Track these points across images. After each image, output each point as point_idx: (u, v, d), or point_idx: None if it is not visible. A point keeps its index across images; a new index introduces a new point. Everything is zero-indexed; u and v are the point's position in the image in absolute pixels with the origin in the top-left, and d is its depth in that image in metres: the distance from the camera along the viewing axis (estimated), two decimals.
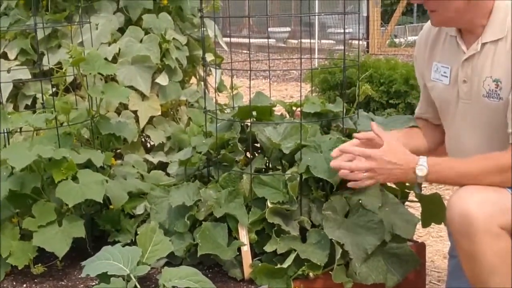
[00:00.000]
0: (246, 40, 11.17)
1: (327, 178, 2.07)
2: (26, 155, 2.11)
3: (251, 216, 2.12)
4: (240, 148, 2.32)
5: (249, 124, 2.33)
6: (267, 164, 2.34)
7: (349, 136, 2.28)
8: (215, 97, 2.89)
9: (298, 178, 2.13)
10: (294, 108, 2.49)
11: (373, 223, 2.05)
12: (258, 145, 2.36)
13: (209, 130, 2.40)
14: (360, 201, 2.09)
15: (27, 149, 2.15)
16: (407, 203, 2.35)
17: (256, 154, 2.36)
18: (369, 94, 2.54)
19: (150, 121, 2.91)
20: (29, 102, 2.88)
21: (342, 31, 10.37)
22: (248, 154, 2.39)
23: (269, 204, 2.11)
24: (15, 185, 2.16)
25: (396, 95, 4.33)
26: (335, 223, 2.06)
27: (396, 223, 2.11)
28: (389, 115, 4.14)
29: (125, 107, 2.85)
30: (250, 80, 2.17)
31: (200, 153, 2.33)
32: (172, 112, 3.03)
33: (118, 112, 2.85)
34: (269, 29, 11.03)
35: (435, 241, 3.08)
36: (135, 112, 2.85)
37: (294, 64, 9.37)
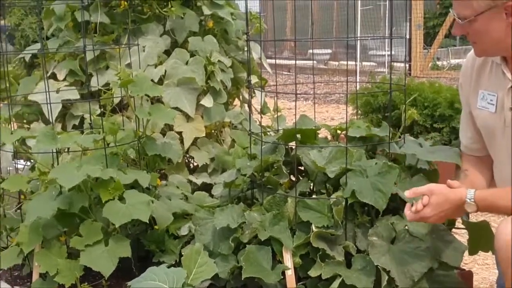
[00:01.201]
0: (286, 62, 11.19)
1: (373, 203, 2.05)
2: (75, 175, 2.15)
3: (296, 240, 2.11)
4: (284, 171, 2.32)
5: (293, 147, 2.33)
6: (312, 188, 2.34)
7: (394, 161, 2.26)
8: (261, 120, 2.89)
9: (344, 203, 2.11)
10: (339, 131, 2.48)
11: (420, 250, 2.03)
12: (302, 168, 2.36)
13: (253, 153, 2.41)
14: (407, 228, 2.07)
15: (76, 169, 2.18)
16: (454, 230, 2.31)
17: (300, 177, 2.36)
18: (414, 118, 2.52)
19: (194, 142, 2.93)
20: (76, 122, 2.93)
21: (384, 53, 10.33)
22: (292, 177, 2.39)
23: (313, 228, 2.10)
24: (64, 205, 2.20)
25: (441, 119, 4.27)
26: (381, 249, 2.03)
27: (443, 250, 2.07)
28: (433, 139, 4.08)
29: (170, 128, 2.88)
30: (296, 103, 2.18)
31: (244, 175, 2.33)
32: (216, 134, 3.05)
33: (163, 133, 2.88)
34: (309, 51, 11.03)
35: (481, 269, 3.01)
36: (179, 133, 2.87)
37: (335, 86, 9.34)
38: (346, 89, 2.22)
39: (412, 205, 1.91)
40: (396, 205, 2.15)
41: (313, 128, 2.39)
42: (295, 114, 2.27)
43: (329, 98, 8.10)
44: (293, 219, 2.18)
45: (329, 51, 11.92)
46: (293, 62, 11.64)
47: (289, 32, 11.65)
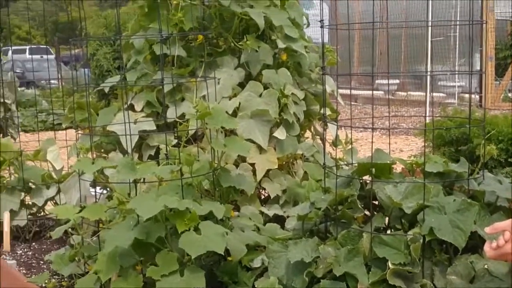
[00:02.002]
0: (353, 92, 11.15)
1: (452, 241, 2.01)
2: (153, 206, 2.19)
3: (371, 277, 2.08)
4: (359, 206, 2.30)
5: (367, 181, 2.31)
6: (387, 223, 2.31)
7: (473, 197, 2.21)
8: (336, 153, 2.89)
9: (421, 240, 2.08)
10: (414, 166, 2.45)
11: None
12: (377, 202, 2.34)
13: (327, 186, 2.40)
14: (486, 267, 2.02)
15: (153, 200, 2.23)
16: None
17: (375, 212, 2.34)
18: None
19: (267, 173, 2.94)
20: (152, 152, 2.99)
21: (453, 84, 10.16)
22: (366, 212, 2.37)
23: (390, 265, 2.07)
24: (141, 234, 2.23)
25: None
26: None
27: None
28: (508, 174, 3.98)
29: (243, 159, 2.91)
30: (372, 137, 2.17)
31: (319, 209, 2.33)
32: (288, 166, 3.06)
33: (236, 164, 2.91)
34: (377, 81, 10.98)
35: None
36: (252, 164, 2.89)
37: (403, 118, 9.24)
38: (425, 122, 2.20)
39: (492, 242, 1.87)
40: (475, 243, 2.11)
41: (388, 162, 2.37)
42: (372, 149, 2.25)
43: (398, 129, 8.02)
44: (368, 255, 2.15)
45: (397, 81, 11.82)
46: (359, 92, 11.60)
47: (356, 63, 11.63)
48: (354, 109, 9.92)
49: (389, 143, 2.66)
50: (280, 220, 2.91)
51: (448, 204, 2.10)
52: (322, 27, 2.30)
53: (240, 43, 2.97)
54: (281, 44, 2.99)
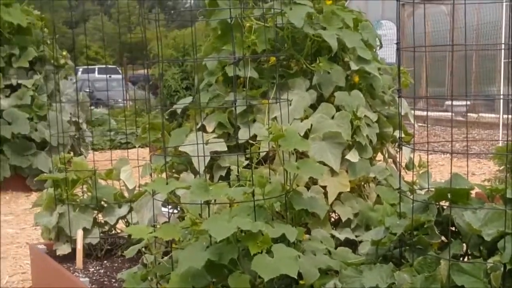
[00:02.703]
0: (421, 113, 10.96)
1: None
2: (226, 227, 2.19)
3: None
4: (436, 232, 2.24)
5: (444, 206, 2.26)
6: (465, 250, 2.24)
7: None
8: (412, 177, 2.83)
9: (502, 268, 2.01)
10: (494, 192, 2.38)
11: None
12: (453, 228, 2.27)
13: (402, 211, 2.35)
14: None
15: (227, 221, 2.23)
16: None
17: (451, 239, 2.27)
18: None
19: (338, 196, 2.91)
20: (223, 173, 3.00)
21: None
22: (443, 238, 2.31)
23: None
24: (214, 256, 2.24)
25: None
26: None
27: None
28: None
29: (314, 182, 2.88)
30: (451, 162, 2.11)
31: (394, 234, 2.28)
32: (359, 189, 3.02)
33: (307, 186, 2.88)
34: (446, 103, 10.78)
35: None
36: (324, 187, 2.86)
37: (474, 140, 9.02)
38: (506, 146, 2.13)
39: None
40: None
41: (467, 188, 2.30)
42: (451, 173, 2.20)
43: (475, 153, 7.83)
44: (446, 283, 2.09)
45: (468, 103, 11.58)
46: (428, 113, 11.36)
47: (425, 84, 11.46)
48: (423, 131, 9.74)
49: (467, 167, 2.60)
50: (351, 244, 2.86)
51: None
52: (398, 49, 2.27)
53: (312, 65, 2.96)
54: (354, 66, 2.97)
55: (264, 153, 2.86)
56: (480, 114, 10.84)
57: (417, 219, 2.23)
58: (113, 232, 3.75)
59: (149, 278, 2.73)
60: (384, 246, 2.40)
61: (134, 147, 7.96)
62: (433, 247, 2.29)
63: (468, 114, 11.31)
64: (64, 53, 7.53)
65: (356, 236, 2.88)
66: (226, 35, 3.02)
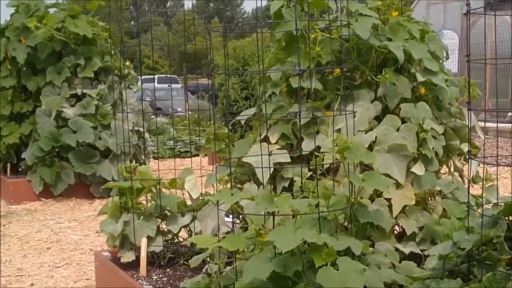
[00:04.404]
0: (482, 124, 10.73)
1: None
2: (291, 239, 2.19)
3: None
4: (506, 247, 2.19)
5: None
6: None
7: None
8: (482, 192, 2.77)
9: None
10: None
11: None
12: None
13: (471, 226, 2.31)
14: None
15: (292, 233, 2.23)
16: None
17: None
18: None
19: (403, 209, 2.87)
20: (286, 184, 3.01)
21: None
22: None
23: None
24: (279, 267, 2.24)
25: None
26: None
27: None
28: None
29: (379, 194, 2.86)
30: None
31: (463, 249, 2.24)
32: (425, 202, 2.97)
33: (371, 199, 2.86)
34: (509, 114, 10.53)
35: None
36: (388, 199, 2.83)
37: None
38: None
39: None
40: None
41: None
42: None
43: None
44: None
45: None
46: (491, 125, 11.13)
47: (488, 94, 11.22)
48: (485, 142, 9.54)
49: None
50: (415, 258, 2.83)
51: None
52: (468, 61, 2.23)
53: (378, 76, 2.94)
54: (420, 78, 2.93)
55: (328, 165, 2.86)
56: None
57: (487, 234, 2.19)
58: (176, 240, 3.79)
59: (212, 287, 2.76)
60: (451, 261, 2.36)
61: (194, 155, 8.06)
62: (502, 263, 2.24)
63: None
64: (128, 63, 7.69)
65: (421, 250, 2.84)
66: (290, 46, 3.03)
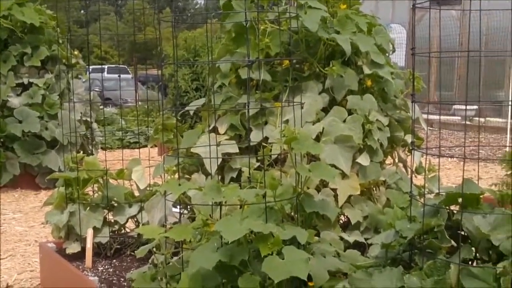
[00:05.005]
0: (429, 116, 10.96)
1: None
2: (238, 229, 2.21)
3: None
4: (446, 236, 2.25)
5: (454, 211, 2.27)
6: (474, 255, 2.25)
7: None
8: (424, 181, 2.84)
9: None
10: (505, 198, 2.39)
11: None
12: (463, 233, 2.28)
13: (413, 215, 2.36)
14: None
15: (239, 223, 2.25)
16: None
17: (461, 243, 2.28)
18: None
19: (348, 199, 2.92)
20: (234, 174, 3.02)
21: None
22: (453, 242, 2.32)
23: None
24: (225, 257, 2.26)
25: None
26: None
27: None
28: None
29: (325, 184, 2.90)
30: (463, 167, 2.13)
31: (405, 238, 2.29)
32: (369, 192, 3.03)
33: (317, 189, 2.90)
34: (454, 107, 10.78)
35: None
36: (334, 190, 2.88)
37: (483, 145, 9.01)
38: None
39: None
40: None
41: (477, 193, 2.31)
42: (463, 178, 2.21)
43: (476, 156, 7.83)
44: (455, 287, 2.10)
45: (475, 107, 11.56)
46: (436, 117, 11.37)
47: (433, 88, 11.45)
48: (430, 134, 9.75)
49: (478, 172, 2.60)
50: (360, 246, 2.88)
51: None
52: (413, 54, 2.28)
53: (325, 68, 2.98)
54: (367, 70, 2.98)
55: (276, 155, 2.88)
56: (487, 118, 10.83)
57: (428, 223, 2.24)
58: (123, 231, 3.77)
59: (158, 278, 2.76)
60: (394, 250, 2.41)
61: (143, 146, 8.00)
62: (442, 251, 2.30)
63: (475, 118, 11.30)
64: (76, 52, 7.57)
65: (365, 239, 2.89)
66: (240, 37, 3.04)
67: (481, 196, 2.35)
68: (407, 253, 2.37)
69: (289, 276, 2.18)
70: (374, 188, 3.06)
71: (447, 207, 2.32)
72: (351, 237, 2.92)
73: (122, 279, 3.29)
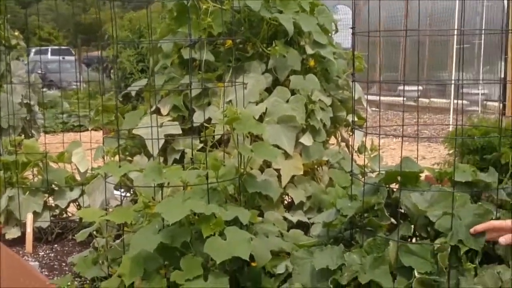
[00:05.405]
0: (375, 98, 11.10)
1: (474, 247, 2.00)
2: (179, 210, 2.19)
3: (397, 285, 2.06)
4: (386, 214, 2.28)
5: (394, 189, 2.30)
6: (413, 232, 2.29)
7: (501, 207, 2.19)
8: (365, 161, 2.87)
9: (449, 249, 2.06)
10: (443, 175, 2.43)
11: None
12: (403, 211, 2.32)
13: (354, 193, 2.39)
14: None
15: (180, 204, 2.23)
16: None
17: (401, 221, 2.32)
18: None
19: (291, 179, 2.93)
20: (177, 156, 2.99)
21: (477, 91, 10.08)
22: (393, 220, 2.35)
23: (416, 274, 2.05)
24: (166, 239, 2.24)
25: None
26: None
27: None
28: None
29: (268, 165, 2.90)
30: (402, 146, 2.15)
31: (345, 216, 2.31)
32: (313, 172, 3.04)
33: (261, 169, 2.90)
34: (399, 88, 10.94)
35: None
36: (277, 170, 2.88)
37: (426, 125, 9.18)
38: (455, 131, 2.19)
39: None
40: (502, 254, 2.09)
41: (417, 171, 2.35)
42: (401, 156, 2.24)
43: (425, 137, 7.99)
44: (394, 263, 2.13)
45: (420, 88, 11.76)
46: (381, 98, 11.54)
47: (379, 69, 11.59)
48: (376, 115, 9.88)
49: (417, 150, 2.64)
50: (303, 226, 2.90)
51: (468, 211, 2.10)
52: (353, 34, 2.29)
53: (268, 48, 2.96)
54: (309, 50, 2.98)
55: (219, 136, 2.87)
56: (432, 99, 11.03)
57: (368, 201, 2.27)
58: (64, 215, 3.70)
59: (100, 261, 2.72)
60: (335, 228, 2.43)
61: (87, 130, 7.87)
62: (382, 229, 2.33)
63: (420, 99, 11.50)
64: (16, 33, 7.35)
65: (309, 219, 2.91)
66: (182, 17, 2.99)
67: (420, 175, 2.39)
68: (348, 232, 2.39)
69: (231, 257, 2.18)
70: (317, 168, 3.08)
71: (387, 185, 2.35)
72: (294, 217, 2.93)
73: (64, 264, 3.24)
